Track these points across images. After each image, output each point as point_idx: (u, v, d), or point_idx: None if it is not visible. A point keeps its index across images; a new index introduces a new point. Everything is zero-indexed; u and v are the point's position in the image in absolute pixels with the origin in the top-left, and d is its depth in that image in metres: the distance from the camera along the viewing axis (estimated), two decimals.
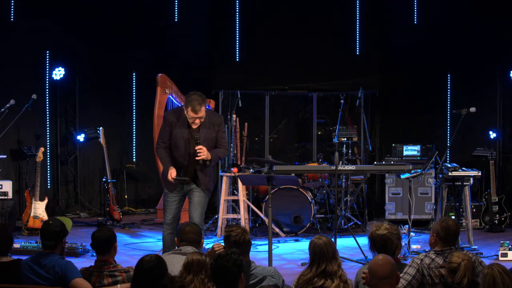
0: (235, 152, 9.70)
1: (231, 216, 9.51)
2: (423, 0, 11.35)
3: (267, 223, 7.36)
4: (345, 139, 10.17)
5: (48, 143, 10.71)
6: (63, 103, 10.95)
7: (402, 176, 8.35)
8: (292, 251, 8.33)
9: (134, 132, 11.49)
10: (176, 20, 11.47)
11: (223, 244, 4.83)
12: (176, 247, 5.02)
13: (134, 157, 11.51)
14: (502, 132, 10.77)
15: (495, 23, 10.79)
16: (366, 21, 11.55)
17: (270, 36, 11.34)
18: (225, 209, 9.40)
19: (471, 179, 8.56)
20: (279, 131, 11.79)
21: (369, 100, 11.12)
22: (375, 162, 10.05)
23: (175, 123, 6.50)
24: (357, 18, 11.54)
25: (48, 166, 10.76)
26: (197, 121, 6.39)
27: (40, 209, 9.14)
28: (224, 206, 9.33)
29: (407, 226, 8.11)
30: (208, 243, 7.90)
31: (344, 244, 8.61)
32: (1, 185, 9.25)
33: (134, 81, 11.40)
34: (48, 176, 10.78)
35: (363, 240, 8.15)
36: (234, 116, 9.83)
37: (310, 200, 9.30)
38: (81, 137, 10.78)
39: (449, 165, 8.54)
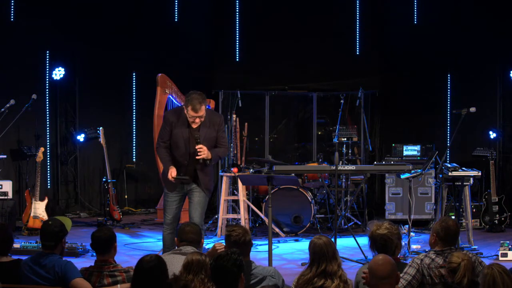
0: (235, 152, 9.70)
1: (231, 216, 9.50)
2: (423, 0, 11.35)
3: (267, 223, 7.36)
4: (345, 139, 10.17)
5: (48, 143, 10.71)
6: (63, 103, 10.95)
7: (402, 176, 8.34)
8: (292, 251, 8.32)
9: (134, 132, 11.49)
10: (176, 20, 11.47)
11: (224, 243, 4.83)
12: (176, 247, 5.01)
13: (134, 157, 11.51)
14: (502, 132, 10.77)
15: (495, 23, 10.79)
16: (366, 21, 11.55)
17: (270, 36, 11.33)
18: (225, 209, 9.39)
19: (471, 179, 8.56)
20: (279, 131, 11.79)
21: (369, 100, 11.13)
22: (375, 162, 10.05)
23: (175, 123, 6.49)
24: (357, 18, 11.54)
25: (48, 166, 10.76)
26: (197, 120, 6.38)
27: (40, 209, 9.14)
28: (224, 206, 9.33)
29: (407, 226, 8.11)
30: (208, 243, 7.90)
31: (344, 244, 8.60)
32: (1, 185, 9.25)
33: (134, 81, 11.40)
34: (48, 176, 10.78)
35: (363, 240, 8.14)
36: (234, 116, 9.83)
37: (310, 200, 9.29)
38: (81, 137, 10.78)
39: (449, 165, 8.54)
